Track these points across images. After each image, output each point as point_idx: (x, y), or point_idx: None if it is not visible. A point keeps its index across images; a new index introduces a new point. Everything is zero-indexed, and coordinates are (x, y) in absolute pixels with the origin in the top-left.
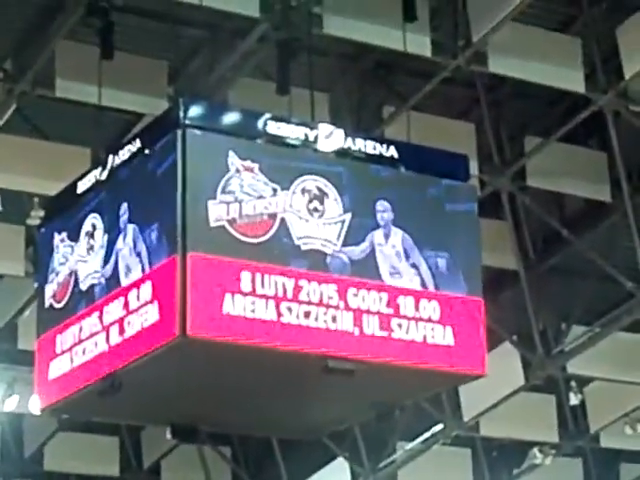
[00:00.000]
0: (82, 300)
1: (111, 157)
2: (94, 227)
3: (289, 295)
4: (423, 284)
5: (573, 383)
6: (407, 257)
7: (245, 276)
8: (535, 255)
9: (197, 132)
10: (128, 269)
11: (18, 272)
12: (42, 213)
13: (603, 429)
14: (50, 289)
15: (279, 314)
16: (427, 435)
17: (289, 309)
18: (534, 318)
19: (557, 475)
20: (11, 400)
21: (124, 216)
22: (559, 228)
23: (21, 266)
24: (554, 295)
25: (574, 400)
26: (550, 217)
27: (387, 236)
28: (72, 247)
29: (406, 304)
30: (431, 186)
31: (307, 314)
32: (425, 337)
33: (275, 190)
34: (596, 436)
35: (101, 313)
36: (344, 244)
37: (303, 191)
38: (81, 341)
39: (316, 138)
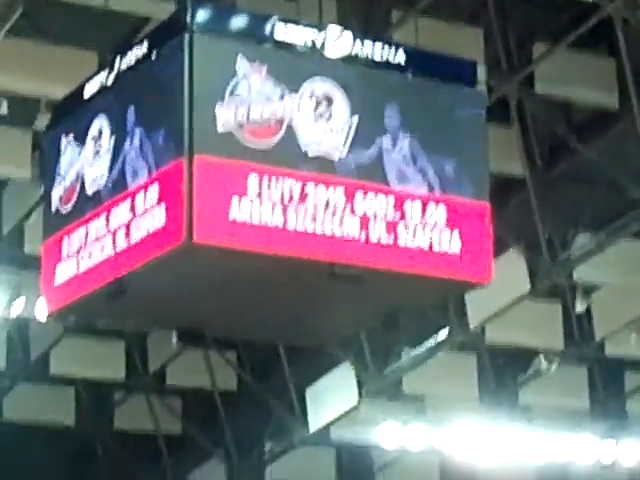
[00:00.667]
0: (88, 204)
1: (118, 60)
2: (101, 131)
3: (295, 200)
4: (430, 188)
5: (579, 291)
6: (415, 162)
7: (252, 181)
8: (542, 162)
9: (204, 35)
10: (135, 173)
11: (25, 176)
12: (49, 117)
13: (608, 337)
14: (56, 193)
15: (285, 220)
16: (432, 341)
17: (295, 215)
18: (541, 225)
19: (562, 382)
20: (18, 304)
21: (131, 119)
22: (567, 135)
23: (28, 170)
24: (561, 202)
25: (580, 308)
26: (558, 124)
27: (395, 141)
28: (78, 151)
29: (413, 209)
30: (439, 92)
31: (313, 219)
32: (431, 244)
33: (283, 94)
34: (601, 344)
35: (107, 217)
36: (351, 149)
37: (311, 95)
38: (87, 245)
39: (324, 41)
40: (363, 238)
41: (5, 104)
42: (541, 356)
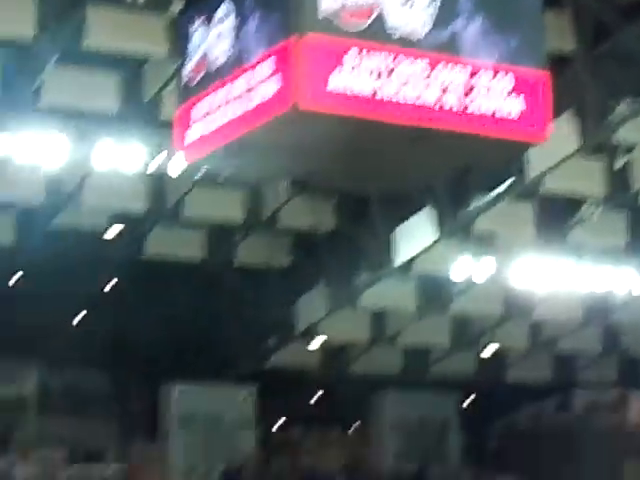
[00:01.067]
0: (213, 78)
1: None
2: (226, 14)
3: (384, 73)
4: (499, 60)
5: (620, 149)
6: (485, 38)
7: (348, 57)
8: (591, 39)
9: None
10: (252, 50)
11: (161, 54)
12: (182, 3)
13: None
14: (187, 69)
15: (376, 89)
16: (498, 190)
17: (386, 85)
18: (589, 94)
19: (604, 226)
20: (156, 161)
21: (250, 4)
22: (612, 18)
23: (164, 49)
24: (607, 75)
25: (619, 163)
26: (604, 7)
27: (468, 20)
28: (206, 32)
29: (484, 79)
30: None
31: (399, 90)
32: (499, 109)
33: None
34: (637, 194)
35: (229, 88)
36: (432, 28)
37: None
38: (212, 111)
39: None
40: (442, 104)
41: None
42: (586, 205)
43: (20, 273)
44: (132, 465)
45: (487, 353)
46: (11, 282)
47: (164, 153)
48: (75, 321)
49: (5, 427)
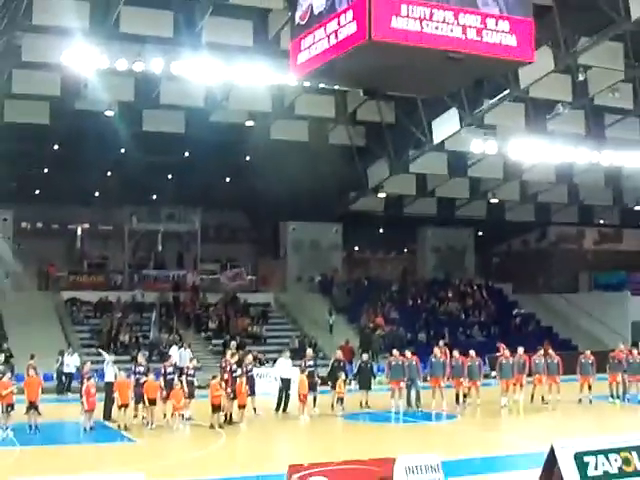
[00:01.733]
0: (315, 20)
1: None
2: None
3: (427, 17)
4: (500, 10)
5: (581, 69)
6: None
7: (404, 6)
8: None
9: None
10: (340, 1)
11: (280, 6)
12: None
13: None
14: (298, 14)
15: (421, 27)
16: (500, 96)
17: (427, 25)
18: (560, 32)
19: (570, 119)
20: (277, 76)
21: None
22: None
23: (282, 3)
24: (573, 20)
25: (581, 78)
26: None
27: None
28: None
29: (491, 21)
30: None
31: (437, 27)
32: (501, 41)
33: None
34: (591, 99)
35: (325, 27)
36: None
37: None
38: (314, 43)
39: None
40: (464, 37)
41: None
42: (559, 104)
43: (187, 152)
44: (261, 273)
45: (492, 202)
46: (184, 155)
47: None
48: (225, 180)
49: (180, 251)
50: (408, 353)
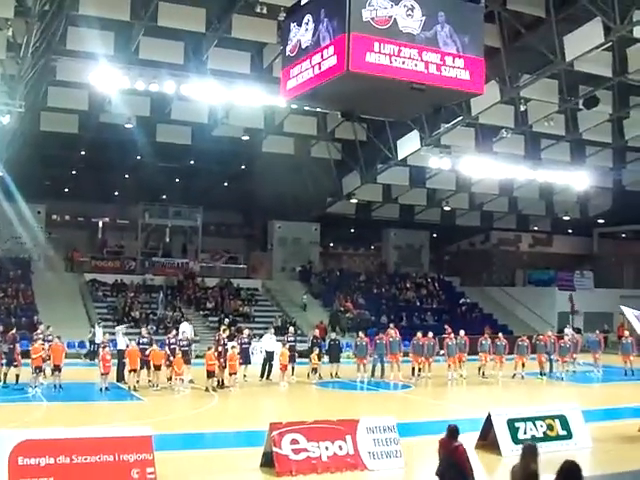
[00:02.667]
0: (302, 53)
1: None
2: (309, 19)
3: (395, 53)
4: (457, 50)
5: (522, 100)
6: (451, 37)
7: (376, 44)
8: (508, 39)
9: None
10: (324, 38)
11: (273, 41)
12: (284, 14)
13: None
14: (288, 47)
15: (391, 62)
16: (455, 120)
17: (395, 60)
18: (506, 70)
19: (512, 143)
20: (269, 99)
21: (323, 14)
22: (522, 25)
23: (275, 38)
24: (517, 60)
25: (522, 108)
26: (516, 19)
27: (442, 26)
28: (297, 30)
29: (449, 59)
30: (462, 7)
31: (403, 62)
32: (457, 75)
33: (392, 4)
34: (530, 126)
35: (310, 60)
36: (422, 30)
37: (404, 5)
38: (300, 73)
39: None
40: (426, 71)
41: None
42: (503, 130)
43: (192, 160)
44: (251, 263)
45: (446, 209)
46: (190, 162)
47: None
48: (224, 184)
49: (184, 243)
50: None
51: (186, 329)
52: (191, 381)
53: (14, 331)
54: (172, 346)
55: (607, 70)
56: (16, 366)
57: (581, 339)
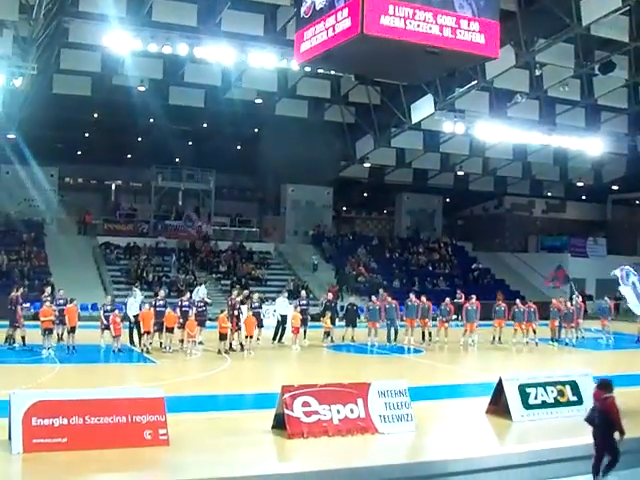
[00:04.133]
0: (317, 14)
1: None
2: None
3: (410, 16)
4: (473, 13)
5: (537, 65)
6: (466, 0)
7: (391, 7)
8: (524, 2)
9: None
10: (337, 0)
11: (287, 3)
12: None
13: None
14: (302, 9)
15: (405, 25)
16: (469, 85)
17: (410, 23)
18: (521, 34)
19: (526, 108)
20: (283, 61)
21: None
22: None
23: (288, 0)
24: (532, 23)
25: (537, 72)
26: None
27: None
28: None
29: (464, 22)
30: None
31: (418, 25)
32: (471, 39)
33: None
34: (545, 90)
35: (325, 21)
36: None
37: None
38: (315, 35)
39: None
40: (441, 34)
41: None
42: (518, 94)
43: (205, 123)
44: (264, 226)
45: (459, 174)
46: (203, 125)
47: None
48: (237, 147)
49: (196, 205)
50: (388, 298)
51: (202, 291)
52: (201, 342)
53: (16, 293)
54: (184, 309)
55: (624, 35)
56: (17, 327)
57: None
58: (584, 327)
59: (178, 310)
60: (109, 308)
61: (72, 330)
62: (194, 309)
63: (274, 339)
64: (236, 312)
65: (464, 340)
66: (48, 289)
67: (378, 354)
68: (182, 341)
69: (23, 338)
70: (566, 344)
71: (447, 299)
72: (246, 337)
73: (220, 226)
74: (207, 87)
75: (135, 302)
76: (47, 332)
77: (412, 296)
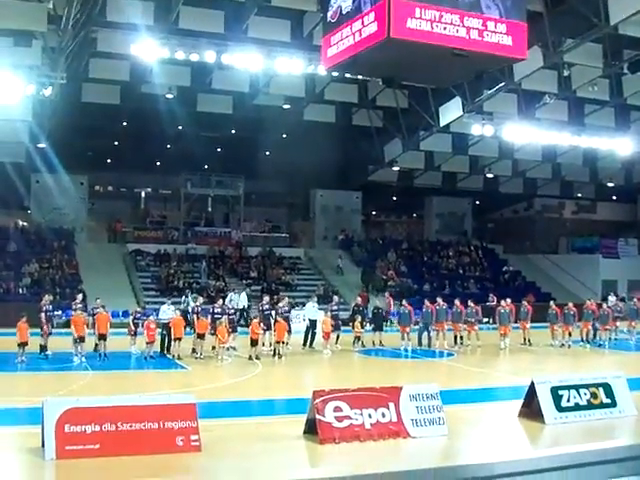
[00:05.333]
0: (343, 19)
1: None
2: None
3: (437, 19)
4: (500, 14)
5: (565, 65)
6: (493, 1)
7: (417, 10)
8: (551, 4)
9: None
10: (364, 4)
11: (313, 8)
12: None
13: None
14: (329, 14)
15: (432, 28)
16: (497, 87)
17: (437, 26)
18: (548, 35)
19: (555, 109)
20: (309, 67)
21: None
22: None
23: (315, 6)
24: (559, 25)
25: (565, 73)
26: None
27: None
28: None
29: (491, 24)
30: None
31: (445, 28)
32: (499, 40)
33: None
34: (574, 91)
35: (352, 26)
36: None
37: None
38: (342, 40)
39: None
40: (468, 37)
41: None
42: (546, 95)
43: (234, 129)
44: (293, 232)
45: (488, 176)
46: (231, 132)
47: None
48: (265, 153)
49: (226, 212)
50: (427, 302)
51: (241, 298)
52: (234, 349)
53: (42, 300)
54: (216, 315)
55: None
56: (41, 335)
57: (624, 307)
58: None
59: (210, 317)
60: (139, 315)
61: (102, 337)
62: (226, 316)
63: (304, 344)
64: (269, 316)
65: (503, 343)
66: (79, 296)
67: (409, 358)
68: (214, 347)
69: (41, 346)
70: (599, 346)
71: (469, 301)
72: (277, 342)
73: (249, 232)
74: (235, 94)
75: (169, 309)
76: (79, 340)
77: (439, 300)
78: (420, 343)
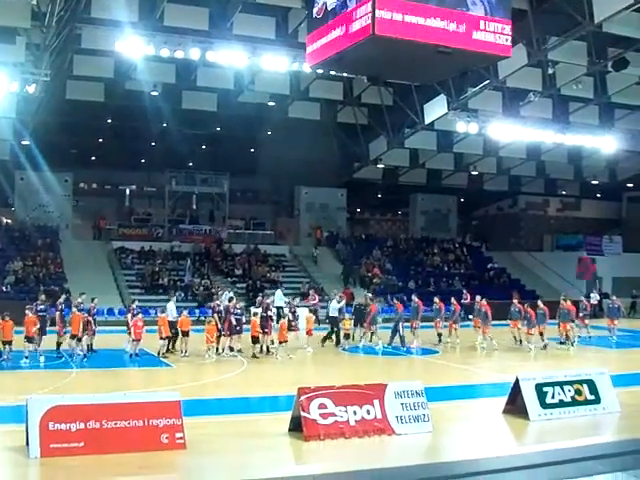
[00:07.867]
0: (328, 16)
1: None
2: None
3: (423, 15)
4: (485, 12)
5: (550, 63)
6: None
7: (404, 7)
8: (535, 1)
9: None
10: (350, 0)
11: (298, 5)
12: None
13: None
14: (314, 10)
15: (418, 24)
16: (482, 84)
17: (423, 23)
18: (533, 33)
19: (540, 106)
20: (294, 64)
21: None
22: None
23: (300, 2)
24: (543, 22)
25: (549, 71)
26: None
27: None
28: None
29: (477, 22)
30: None
31: (433, 23)
32: (484, 38)
33: None
34: (558, 89)
35: (337, 23)
36: None
37: None
38: (327, 36)
39: None
40: (453, 34)
41: None
42: (531, 93)
43: (218, 127)
44: (278, 229)
45: (473, 174)
46: (216, 129)
47: (299, 60)
48: (250, 151)
49: (211, 209)
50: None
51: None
52: (240, 350)
53: (40, 300)
54: (220, 314)
55: (637, 31)
56: (57, 334)
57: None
58: (596, 326)
59: (216, 315)
60: (136, 312)
61: (73, 337)
62: (229, 315)
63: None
64: (269, 313)
65: (484, 342)
66: (63, 296)
67: (392, 355)
68: (232, 348)
69: (58, 344)
70: (572, 344)
71: (452, 299)
72: (280, 342)
73: (234, 229)
74: (220, 91)
75: (173, 308)
76: (76, 339)
77: (414, 297)
78: (391, 342)
